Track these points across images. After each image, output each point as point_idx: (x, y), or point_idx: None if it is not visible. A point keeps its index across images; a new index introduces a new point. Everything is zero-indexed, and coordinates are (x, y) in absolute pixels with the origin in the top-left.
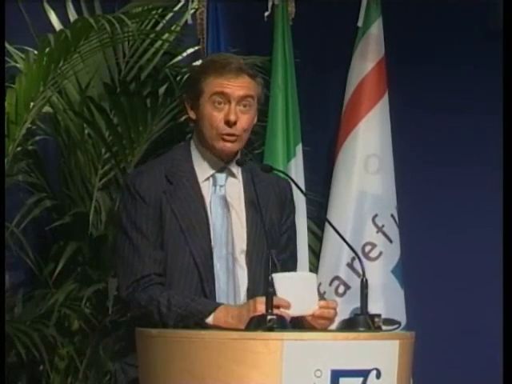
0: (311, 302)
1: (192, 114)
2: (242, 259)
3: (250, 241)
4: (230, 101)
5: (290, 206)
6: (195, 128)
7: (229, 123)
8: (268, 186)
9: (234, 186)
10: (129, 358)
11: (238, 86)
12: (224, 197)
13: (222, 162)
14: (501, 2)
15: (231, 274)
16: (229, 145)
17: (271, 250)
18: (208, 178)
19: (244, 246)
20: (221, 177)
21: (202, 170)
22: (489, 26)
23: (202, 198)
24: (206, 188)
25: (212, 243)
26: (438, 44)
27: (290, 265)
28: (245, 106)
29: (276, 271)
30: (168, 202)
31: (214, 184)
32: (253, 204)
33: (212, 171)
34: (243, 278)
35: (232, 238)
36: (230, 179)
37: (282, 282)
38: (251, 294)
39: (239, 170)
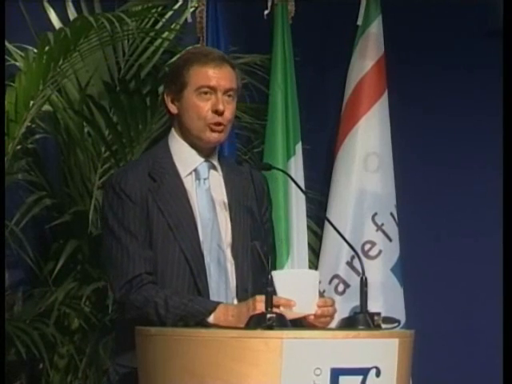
0: (311, 302)
1: (173, 108)
2: (228, 252)
3: (235, 233)
4: (216, 91)
5: (268, 198)
6: (176, 122)
7: (217, 112)
8: (246, 179)
9: (216, 179)
10: (121, 359)
11: (222, 76)
12: (209, 190)
13: (202, 156)
14: (501, 1)
15: (221, 268)
16: (216, 135)
17: (255, 242)
18: (190, 173)
19: (230, 239)
20: (203, 170)
21: (184, 164)
22: (489, 26)
23: (186, 193)
24: (190, 182)
25: (201, 238)
26: (438, 43)
27: (271, 257)
28: (229, 96)
29: (264, 264)
30: (154, 200)
31: (198, 178)
32: (235, 196)
33: (194, 165)
34: (232, 270)
35: (219, 231)
36: (212, 172)
37: (282, 280)
38: (240, 286)
39: (218, 163)
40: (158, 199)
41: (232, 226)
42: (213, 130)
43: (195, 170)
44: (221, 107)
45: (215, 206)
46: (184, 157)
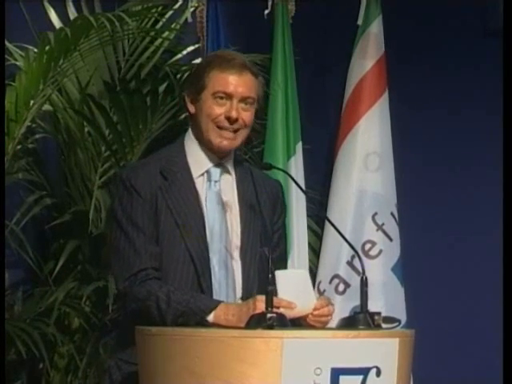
0: (310, 300)
1: (191, 108)
2: (236, 254)
3: (244, 237)
4: (232, 98)
5: (282, 206)
6: (192, 122)
7: (230, 120)
8: (259, 185)
9: (227, 182)
10: (123, 354)
11: (240, 83)
12: (219, 192)
13: (216, 158)
14: (501, 1)
15: (227, 269)
16: (226, 142)
17: (264, 248)
18: (202, 174)
19: (238, 242)
20: (215, 172)
21: (197, 165)
22: (489, 26)
23: (196, 193)
24: (201, 183)
25: (207, 238)
26: (438, 43)
27: (281, 264)
28: (246, 104)
29: (270, 269)
30: (163, 198)
31: (209, 179)
32: (246, 201)
33: (206, 167)
34: (238, 272)
35: (227, 233)
36: (224, 175)
37: (284, 278)
38: (245, 289)
39: (233, 166)
40: (167, 197)
41: (242, 229)
42: (223, 137)
43: (207, 172)
44: (233, 114)
45: (225, 209)
46: (197, 158)
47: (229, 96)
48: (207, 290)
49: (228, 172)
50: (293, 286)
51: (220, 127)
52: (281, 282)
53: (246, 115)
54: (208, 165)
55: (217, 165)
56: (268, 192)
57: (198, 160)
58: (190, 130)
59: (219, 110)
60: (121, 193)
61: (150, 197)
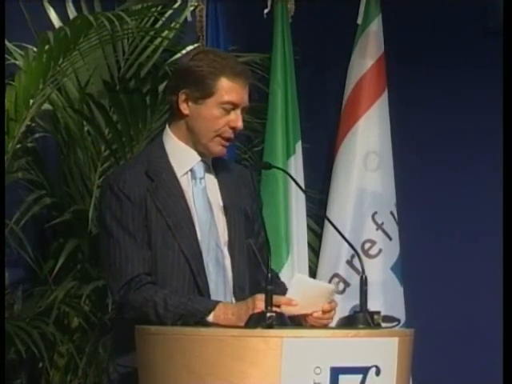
0: (315, 309)
1: (186, 109)
2: (225, 250)
3: (231, 232)
4: (237, 107)
5: (256, 193)
6: (183, 123)
7: (235, 130)
8: (236, 177)
9: (210, 179)
10: (122, 359)
11: (245, 92)
12: (205, 189)
13: (198, 156)
14: (501, 1)
15: (220, 266)
16: (223, 149)
17: (250, 241)
18: (186, 172)
19: (226, 238)
20: (199, 170)
21: (180, 164)
22: (489, 25)
23: (183, 192)
24: (186, 182)
25: (199, 237)
26: (438, 42)
27: (264, 251)
28: (242, 112)
29: (258, 261)
30: (152, 200)
31: (194, 177)
32: (229, 196)
33: (190, 165)
34: (229, 268)
35: (217, 231)
36: (207, 172)
37: (300, 283)
38: (236, 284)
39: (211, 162)
40: (156, 199)
41: (228, 224)
42: (222, 145)
43: (191, 170)
44: (240, 125)
45: (211, 205)
46: (180, 156)
47: (235, 106)
48: (204, 288)
49: (209, 168)
50: (304, 293)
51: (221, 136)
52: (296, 284)
53: (241, 125)
54: (191, 163)
55: (199, 162)
56: (245, 182)
57: (180, 159)
58: (167, 129)
59: (223, 120)
60: (109, 198)
61: (139, 200)
